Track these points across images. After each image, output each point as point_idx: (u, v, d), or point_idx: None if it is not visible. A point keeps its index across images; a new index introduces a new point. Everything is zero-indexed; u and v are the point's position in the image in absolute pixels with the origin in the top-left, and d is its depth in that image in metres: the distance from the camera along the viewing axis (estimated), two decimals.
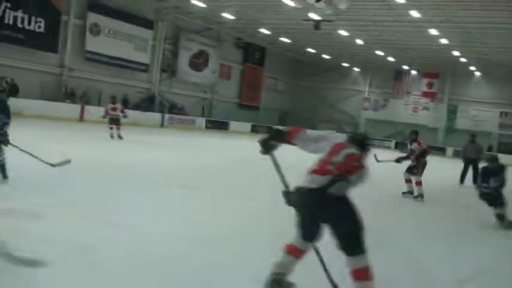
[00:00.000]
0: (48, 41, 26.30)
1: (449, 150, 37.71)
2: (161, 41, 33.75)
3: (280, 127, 4.65)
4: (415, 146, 11.86)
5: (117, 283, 4.31)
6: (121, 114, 18.71)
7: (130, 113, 27.14)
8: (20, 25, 24.87)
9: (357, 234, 4.23)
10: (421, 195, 11.62)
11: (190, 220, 6.97)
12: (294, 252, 4.39)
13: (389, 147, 39.88)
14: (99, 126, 19.87)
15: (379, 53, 38.07)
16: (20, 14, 24.78)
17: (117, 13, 29.64)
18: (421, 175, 11.81)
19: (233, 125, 36.35)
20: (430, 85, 43.17)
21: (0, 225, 5.61)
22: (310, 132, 4.80)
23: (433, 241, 7.51)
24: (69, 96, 27.24)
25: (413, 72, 44.06)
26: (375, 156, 12.61)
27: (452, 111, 43.50)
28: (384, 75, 45.05)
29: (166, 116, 32.13)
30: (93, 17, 28.72)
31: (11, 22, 24.47)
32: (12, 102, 22.87)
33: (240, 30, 37.70)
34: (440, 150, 38.71)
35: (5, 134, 7.79)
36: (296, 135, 4.57)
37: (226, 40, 39.19)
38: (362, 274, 4.20)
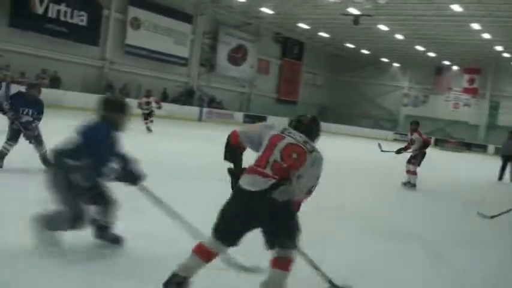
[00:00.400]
0: (90, 35, 26.90)
1: (491, 148, 37.00)
2: (200, 36, 34.04)
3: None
4: (415, 136, 11.92)
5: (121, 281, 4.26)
6: (155, 106, 18.77)
7: (168, 106, 27.54)
8: (63, 18, 25.51)
9: (294, 236, 3.92)
10: (413, 185, 11.81)
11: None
12: (206, 255, 3.83)
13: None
14: (138, 119, 19.96)
15: (419, 48, 37.60)
16: (63, 7, 25.40)
17: (157, 7, 30.05)
18: (418, 165, 11.92)
19: (271, 119, 36.25)
20: (471, 81, 42.42)
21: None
22: (249, 125, 4.34)
23: (463, 241, 7.40)
24: (108, 89, 27.71)
25: (455, 67, 43.42)
26: (380, 145, 12.55)
27: (494, 108, 42.66)
28: (424, 71, 44.49)
29: (205, 110, 32.38)
30: (133, 11, 29.20)
31: (54, 15, 25.12)
32: (53, 94, 23.61)
33: (278, 25, 37.70)
34: (481, 148, 38.11)
35: (32, 130, 7.92)
36: (237, 134, 4.03)
37: (265, 35, 39.23)
38: (286, 264, 3.96)
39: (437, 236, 7.43)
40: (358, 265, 5.40)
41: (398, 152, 12.21)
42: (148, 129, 18.12)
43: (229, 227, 3.83)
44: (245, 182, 3.79)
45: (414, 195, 11.36)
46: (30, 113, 7.81)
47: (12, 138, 7.81)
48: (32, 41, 24.63)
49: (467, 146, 38.22)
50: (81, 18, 26.27)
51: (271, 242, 3.92)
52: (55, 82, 25.05)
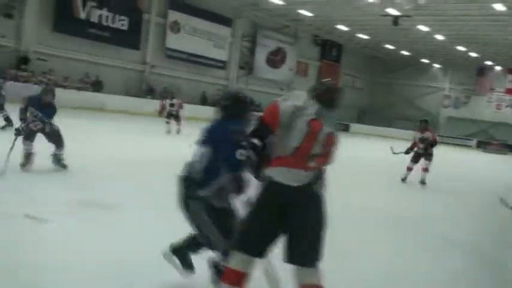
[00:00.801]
0: (131, 39, 27.45)
1: None
2: (239, 39, 34.27)
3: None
4: (428, 134, 12.11)
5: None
6: (180, 110, 18.38)
7: (207, 109, 27.67)
8: (104, 23, 26.07)
9: (319, 246, 3.38)
10: (423, 182, 12.03)
11: None
12: (235, 280, 3.37)
13: (470, 146, 38.76)
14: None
15: (461, 48, 36.93)
16: (104, 12, 25.95)
17: (196, 11, 30.37)
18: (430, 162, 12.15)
19: None
20: None
21: (81, 215, 5.89)
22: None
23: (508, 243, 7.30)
24: (150, 92, 28.15)
25: (497, 68, 42.55)
26: (392, 148, 12.46)
27: None
28: (466, 71, 43.69)
29: None
30: (173, 15, 29.59)
31: (96, 20, 25.70)
32: (96, 98, 24.10)
33: (317, 27, 37.59)
34: None
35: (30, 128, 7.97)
36: (279, 111, 3.38)
37: (303, 37, 39.21)
38: None
39: (482, 240, 7.33)
40: (398, 274, 5.25)
41: (407, 152, 12.27)
42: (178, 132, 17.76)
43: (260, 230, 3.37)
44: (285, 177, 3.32)
45: (455, 198, 11.20)
46: (38, 116, 7.94)
47: (27, 137, 7.93)
48: (74, 45, 25.23)
49: (510, 148, 37.43)
50: (122, 23, 26.78)
51: (293, 251, 3.35)
52: (97, 86, 25.57)
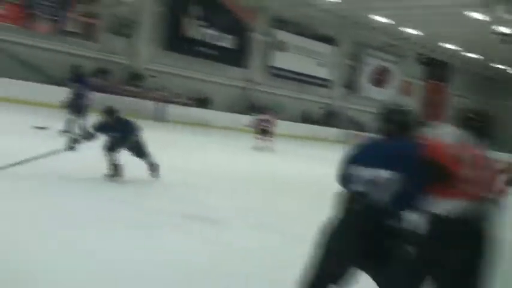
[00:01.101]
0: (237, 57, 28.37)
1: None
2: (342, 57, 34.24)
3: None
4: None
5: None
6: (272, 127, 18.28)
7: (309, 128, 27.86)
8: (211, 42, 27.12)
9: None
10: None
11: None
12: None
13: None
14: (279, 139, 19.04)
15: None
16: (211, 31, 27.08)
17: (300, 30, 30.79)
18: None
19: None
20: None
21: (186, 228, 5.94)
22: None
23: None
24: (252, 109, 28.65)
25: None
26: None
27: None
28: None
29: (347, 131, 32.00)
30: (278, 34, 30.20)
31: (203, 39, 26.85)
32: (202, 114, 24.79)
33: (422, 45, 36.72)
34: None
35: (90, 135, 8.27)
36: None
37: (408, 55, 38.41)
38: None
39: None
40: None
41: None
42: (270, 149, 17.42)
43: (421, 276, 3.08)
44: (441, 207, 3.03)
45: None
46: (111, 136, 8.16)
47: (109, 148, 8.14)
48: (184, 63, 26.44)
49: None
50: (228, 41, 27.81)
51: None
52: (204, 103, 26.44)
